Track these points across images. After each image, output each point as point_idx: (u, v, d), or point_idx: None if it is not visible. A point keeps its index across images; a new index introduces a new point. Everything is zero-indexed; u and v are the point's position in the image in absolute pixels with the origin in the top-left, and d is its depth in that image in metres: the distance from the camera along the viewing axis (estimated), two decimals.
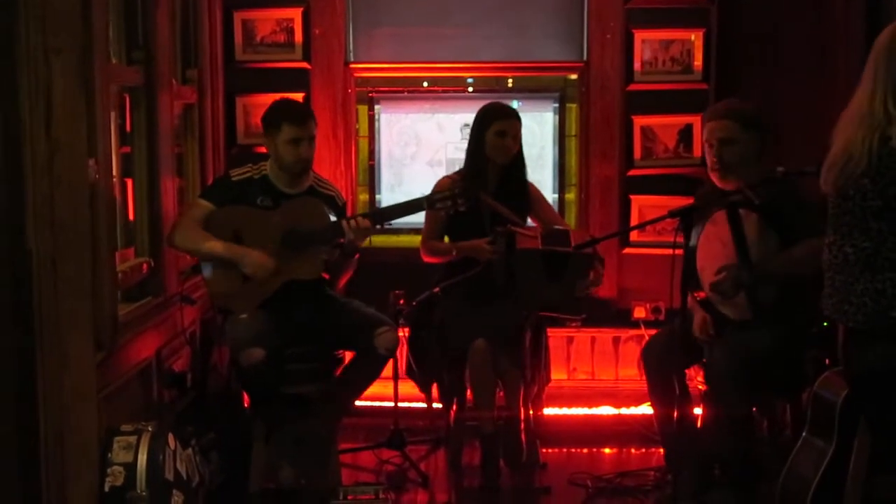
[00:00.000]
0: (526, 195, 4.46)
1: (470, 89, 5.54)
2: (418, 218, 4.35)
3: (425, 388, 4.44)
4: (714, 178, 3.86)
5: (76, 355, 3.03)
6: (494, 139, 4.32)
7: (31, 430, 2.92)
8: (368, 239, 4.20)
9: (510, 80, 5.65)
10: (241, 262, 3.95)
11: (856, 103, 2.86)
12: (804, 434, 3.43)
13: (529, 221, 4.50)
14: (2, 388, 2.86)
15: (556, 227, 4.34)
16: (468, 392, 4.29)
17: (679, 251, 3.44)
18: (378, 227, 4.07)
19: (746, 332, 3.71)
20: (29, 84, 2.85)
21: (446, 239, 4.48)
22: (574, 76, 5.40)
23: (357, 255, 4.16)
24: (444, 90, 5.47)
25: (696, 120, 5.16)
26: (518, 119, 4.37)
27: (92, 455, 3.18)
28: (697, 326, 3.86)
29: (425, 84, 5.55)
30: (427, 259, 4.43)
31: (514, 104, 5.45)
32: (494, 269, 4.15)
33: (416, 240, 4.55)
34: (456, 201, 3.96)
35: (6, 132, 2.83)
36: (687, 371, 4.09)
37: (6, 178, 2.84)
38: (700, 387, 4.11)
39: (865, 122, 2.79)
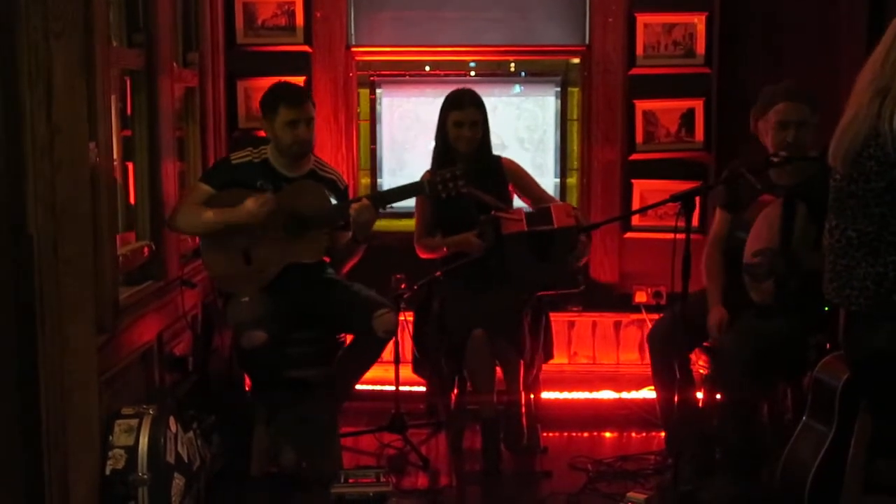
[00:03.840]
0: (500, 174, 4.44)
1: (472, 73, 5.52)
2: None
3: (430, 379, 4.45)
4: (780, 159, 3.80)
5: (77, 339, 3.04)
6: (453, 130, 4.32)
7: (33, 413, 2.93)
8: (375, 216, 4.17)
9: (512, 64, 5.63)
10: (242, 217, 3.91)
11: (867, 65, 2.83)
12: (804, 418, 3.44)
13: (517, 199, 4.49)
14: (3, 372, 2.87)
15: (538, 206, 4.34)
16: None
17: (681, 235, 3.43)
18: (380, 210, 4.05)
19: (761, 318, 3.71)
20: (29, 67, 2.84)
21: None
22: (576, 60, 5.38)
23: (363, 246, 4.17)
24: (446, 74, 5.46)
25: (698, 104, 5.15)
26: (477, 107, 4.31)
27: (93, 438, 3.20)
28: (714, 324, 3.85)
29: (427, 68, 5.53)
30: (423, 256, 4.43)
31: (516, 88, 5.45)
32: (486, 256, 4.16)
33: None
34: (457, 183, 3.94)
35: (7, 115, 2.83)
36: (689, 355, 4.09)
37: (7, 162, 2.84)
38: (702, 371, 4.12)
39: (874, 84, 2.77)
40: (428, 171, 4.42)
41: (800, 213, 3.70)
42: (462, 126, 4.29)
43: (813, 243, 3.67)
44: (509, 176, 4.45)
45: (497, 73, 5.58)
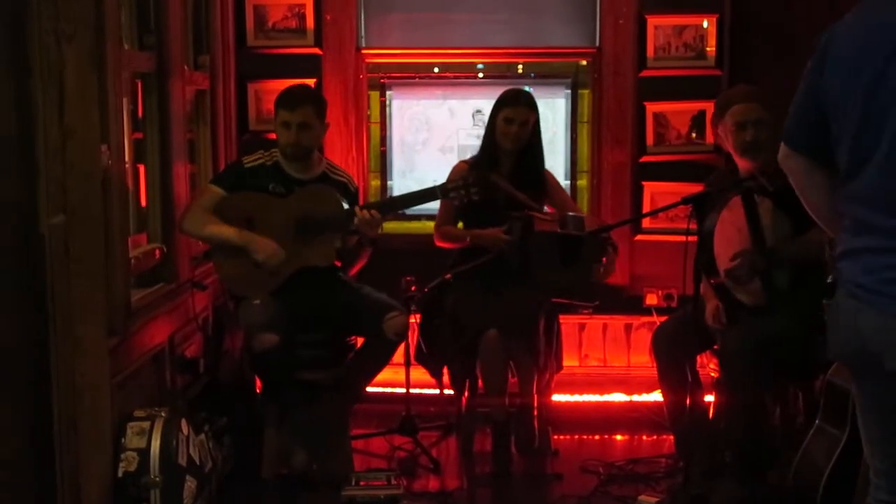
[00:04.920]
0: (542, 183, 4.45)
1: (480, 75, 5.52)
2: (431, 205, 4.35)
3: (436, 374, 4.45)
4: (746, 160, 3.82)
5: (89, 341, 3.04)
6: (502, 125, 4.32)
7: (45, 415, 2.93)
8: (381, 226, 4.19)
9: (520, 66, 5.62)
10: (252, 249, 3.95)
11: None
12: (817, 422, 3.43)
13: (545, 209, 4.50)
14: (16, 374, 2.87)
15: (571, 213, 4.34)
16: (479, 379, 4.29)
17: (692, 238, 3.43)
18: (389, 215, 4.07)
19: (760, 317, 3.70)
20: (41, 69, 2.84)
21: (460, 224, 4.48)
22: (584, 62, 5.37)
23: (370, 248, 4.18)
24: (456, 76, 5.45)
25: (709, 106, 5.08)
26: (530, 107, 4.34)
27: (105, 440, 3.20)
28: (710, 314, 3.85)
29: (436, 70, 5.52)
30: (440, 244, 4.43)
31: (526, 90, 5.44)
32: (508, 253, 4.16)
33: (428, 226, 4.55)
34: (469, 191, 3.97)
35: (19, 118, 2.83)
36: (698, 358, 4.08)
37: (19, 164, 2.84)
38: (712, 374, 4.10)
39: None
40: (463, 162, 4.47)
41: (765, 206, 3.70)
42: (512, 123, 4.30)
43: (787, 234, 3.68)
44: (547, 187, 4.47)
45: (506, 76, 5.57)
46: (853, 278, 2.29)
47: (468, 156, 4.59)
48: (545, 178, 4.48)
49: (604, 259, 4.12)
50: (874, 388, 2.35)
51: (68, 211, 2.92)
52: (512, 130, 4.30)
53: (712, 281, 3.83)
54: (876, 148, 2.24)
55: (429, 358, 4.41)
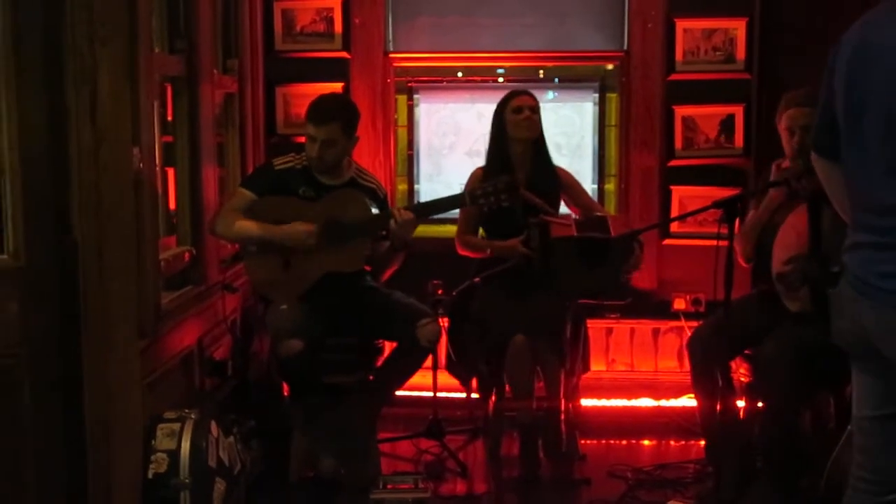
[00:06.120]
0: (556, 180, 4.45)
1: (500, 80, 5.50)
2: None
3: (465, 382, 4.44)
4: (795, 164, 3.82)
5: (120, 343, 3.05)
6: (513, 116, 4.34)
7: (77, 417, 2.95)
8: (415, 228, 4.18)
9: (541, 71, 5.59)
10: (285, 238, 3.95)
11: None
12: (849, 427, 3.39)
13: (565, 208, 4.49)
14: (48, 375, 2.89)
15: (594, 214, 4.33)
16: (506, 383, 4.28)
17: (722, 242, 3.41)
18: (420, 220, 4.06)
19: (802, 324, 3.67)
20: (75, 73, 2.87)
21: (481, 232, 4.47)
22: (610, 66, 5.36)
23: (404, 252, 4.18)
24: (483, 80, 5.45)
25: (738, 110, 5.11)
26: (534, 98, 4.38)
27: (136, 442, 3.21)
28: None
29: (459, 74, 5.51)
30: (462, 252, 4.43)
31: (550, 94, 5.43)
32: (530, 259, 4.15)
33: (454, 230, 4.53)
34: (499, 197, 3.93)
35: (52, 121, 2.86)
36: (730, 363, 4.06)
37: (52, 167, 2.87)
38: (742, 379, 4.08)
39: None
40: (479, 168, 4.45)
41: (826, 215, 3.67)
42: (521, 111, 4.32)
43: (841, 244, 3.64)
44: (563, 185, 4.46)
45: (534, 79, 5.55)
46: (854, 270, 2.49)
47: None
48: (559, 175, 4.47)
49: (630, 257, 4.11)
50: (874, 373, 2.52)
51: (101, 213, 2.94)
52: (525, 117, 4.32)
53: (763, 287, 3.82)
54: (864, 164, 2.41)
55: (458, 366, 4.41)
